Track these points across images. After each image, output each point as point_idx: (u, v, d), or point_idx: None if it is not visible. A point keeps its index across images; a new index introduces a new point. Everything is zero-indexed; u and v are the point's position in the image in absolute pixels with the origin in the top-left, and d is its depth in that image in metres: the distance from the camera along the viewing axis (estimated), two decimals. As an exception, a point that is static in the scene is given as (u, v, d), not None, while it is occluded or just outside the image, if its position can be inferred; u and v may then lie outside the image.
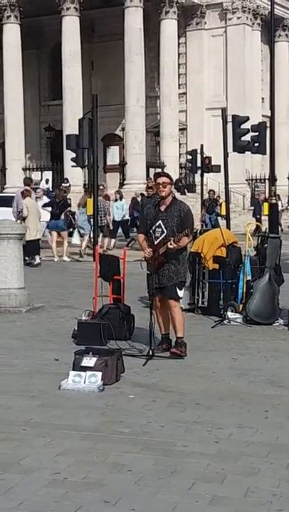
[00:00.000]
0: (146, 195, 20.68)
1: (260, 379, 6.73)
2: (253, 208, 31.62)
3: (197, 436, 5.08)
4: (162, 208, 7.58)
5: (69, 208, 20.26)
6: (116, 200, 23.13)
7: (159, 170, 34.94)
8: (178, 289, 7.59)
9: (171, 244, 7.33)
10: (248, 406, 5.85)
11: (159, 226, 7.51)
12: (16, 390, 6.22)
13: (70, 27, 34.72)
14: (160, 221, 7.51)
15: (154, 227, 7.55)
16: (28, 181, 20.55)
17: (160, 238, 7.50)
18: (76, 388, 6.19)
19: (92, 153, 19.14)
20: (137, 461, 4.59)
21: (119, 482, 4.26)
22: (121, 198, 23.43)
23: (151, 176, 33.71)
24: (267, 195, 26.47)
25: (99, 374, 6.28)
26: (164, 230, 7.48)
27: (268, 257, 9.86)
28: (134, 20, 33.90)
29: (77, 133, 19.56)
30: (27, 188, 18.19)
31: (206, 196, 27.68)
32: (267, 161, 24.87)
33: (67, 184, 28.66)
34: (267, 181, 29.85)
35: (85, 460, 4.60)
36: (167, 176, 7.75)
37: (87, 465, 4.51)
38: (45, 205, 19.72)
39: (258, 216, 28.85)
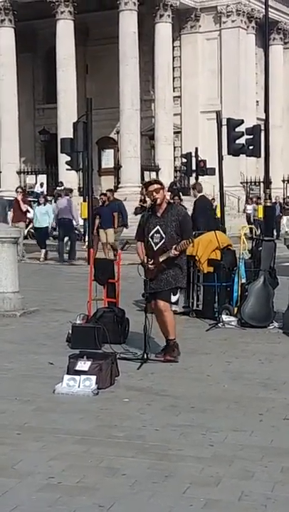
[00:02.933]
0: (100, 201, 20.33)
1: (254, 382, 6.73)
2: None
3: (192, 440, 5.07)
4: (159, 214, 7.56)
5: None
6: (39, 205, 20.75)
7: (153, 173, 35.06)
8: (172, 294, 7.63)
9: (173, 251, 7.32)
10: (242, 409, 5.84)
11: (158, 232, 7.48)
12: (10, 394, 6.21)
13: (65, 30, 34.76)
14: (158, 227, 7.49)
15: (151, 233, 7.50)
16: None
17: (159, 244, 7.46)
18: (70, 392, 6.18)
19: (87, 156, 19.15)
20: (132, 465, 4.58)
21: (113, 486, 4.25)
22: (45, 202, 21.02)
23: (146, 179, 33.83)
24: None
25: (93, 378, 6.27)
26: (163, 235, 7.44)
27: (263, 260, 9.87)
28: (128, 23, 33.93)
29: (71, 136, 19.57)
30: None
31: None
32: (261, 164, 24.94)
33: (62, 188, 28.67)
34: (262, 184, 29.92)
35: (79, 464, 4.59)
36: (157, 182, 7.75)
37: (82, 469, 4.50)
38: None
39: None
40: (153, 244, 7.51)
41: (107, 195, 20.09)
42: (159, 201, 7.52)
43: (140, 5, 34.29)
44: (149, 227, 7.53)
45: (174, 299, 7.73)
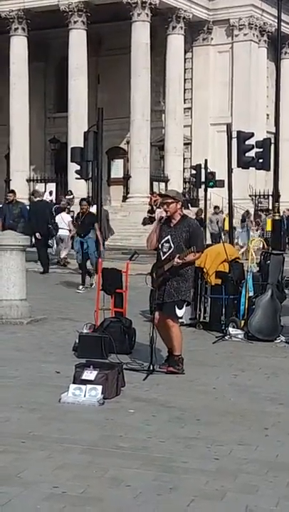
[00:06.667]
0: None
1: (260, 396, 6.72)
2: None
3: (197, 453, 5.06)
4: (171, 224, 7.59)
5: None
6: None
7: (162, 184, 35.10)
8: (177, 308, 7.49)
9: (176, 259, 7.31)
10: (248, 423, 5.83)
11: (167, 241, 7.51)
12: (15, 402, 6.20)
13: (77, 40, 34.93)
14: (169, 236, 7.51)
15: (162, 242, 7.54)
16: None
17: (167, 254, 7.48)
18: (76, 401, 6.18)
19: (97, 166, 19.17)
20: (136, 476, 4.57)
21: (117, 497, 4.24)
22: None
23: (155, 190, 33.87)
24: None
25: (99, 388, 6.26)
26: (172, 245, 7.47)
27: (271, 273, 9.86)
28: (141, 34, 34.06)
29: (82, 145, 19.60)
30: None
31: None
32: (271, 177, 24.93)
33: (71, 196, 28.74)
34: (270, 197, 29.86)
35: (83, 474, 4.58)
36: (170, 196, 7.74)
37: (86, 479, 4.49)
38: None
39: None
40: (161, 254, 7.54)
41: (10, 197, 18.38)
42: (169, 213, 7.55)
43: (153, 16, 34.43)
44: (161, 235, 7.56)
45: (179, 313, 7.59)
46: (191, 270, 7.67)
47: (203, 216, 27.15)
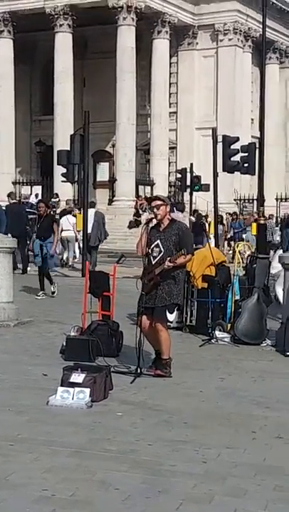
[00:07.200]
0: None
1: (247, 399, 6.74)
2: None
3: (185, 456, 5.07)
4: (160, 229, 7.60)
5: None
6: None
7: (148, 188, 35.14)
8: (168, 312, 7.55)
9: (167, 263, 7.32)
10: (235, 426, 5.84)
11: (157, 246, 7.51)
12: (3, 405, 6.19)
13: (63, 43, 34.96)
14: (158, 241, 7.51)
15: (152, 247, 7.53)
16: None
17: (157, 258, 7.48)
18: (64, 404, 6.18)
19: (83, 169, 19.18)
20: (125, 479, 4.57)
21: (106, 500, 4.25)
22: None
23: (141, 193, 33.92)
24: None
25: (87, 390, 6.27)
26: (162, 249, 7.47)
27: (257, 277, 9.90)
28: (126, 38, 34.13)
29: (68, 148, 19.61)
30: None
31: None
32: (255, 182, 25.01)
33: (57, 199, 28.71)
34: (255, 202, 29.94)
35: (72, 477, 4.58)
36: (160, 198, 7.77)
37: (75, 482, 4.49)
38: None
39: None
40: (152, 258, 7.54)
41: None
42: (159, 217, 7.56)
43: (139, 20, 34.51)
44: (151, 239, 7.56)
45: (170, 317, 7.64)
46: (182, 273, 7.69)
47: (204, 220, 27.11)
